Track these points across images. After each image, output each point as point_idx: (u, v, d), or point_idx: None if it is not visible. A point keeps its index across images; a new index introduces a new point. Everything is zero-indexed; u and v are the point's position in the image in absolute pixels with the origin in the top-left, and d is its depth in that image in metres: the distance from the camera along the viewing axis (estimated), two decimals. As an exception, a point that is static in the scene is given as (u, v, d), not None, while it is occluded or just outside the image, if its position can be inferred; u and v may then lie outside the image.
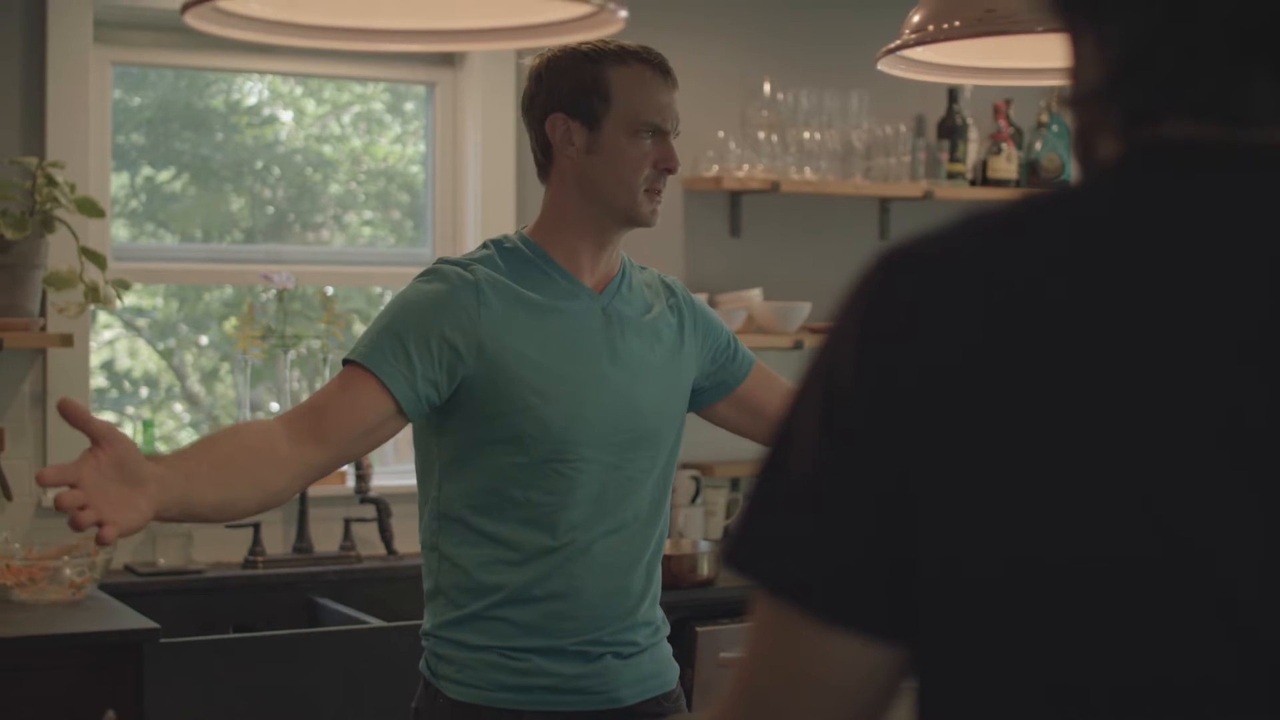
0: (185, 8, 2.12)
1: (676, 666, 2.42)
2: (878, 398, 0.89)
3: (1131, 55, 0.88)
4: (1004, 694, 0.87)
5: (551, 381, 2.24)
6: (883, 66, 2.61)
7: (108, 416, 4.35)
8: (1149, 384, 0.83)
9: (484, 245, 2.35)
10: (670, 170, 2.30)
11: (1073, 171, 4.78)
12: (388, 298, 4.34)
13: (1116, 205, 0.88)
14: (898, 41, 2.47)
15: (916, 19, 2.42)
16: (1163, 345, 0.83)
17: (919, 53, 2.55)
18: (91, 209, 3.69)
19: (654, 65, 2.31)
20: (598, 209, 2.30)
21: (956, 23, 2.34)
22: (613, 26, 2.27)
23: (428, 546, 2.33)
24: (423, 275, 2.29)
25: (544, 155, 2.34)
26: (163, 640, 3.23)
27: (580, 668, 2.27)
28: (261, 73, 4.38)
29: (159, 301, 4.53)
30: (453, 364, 2.21)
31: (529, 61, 2.37)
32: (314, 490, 3.95)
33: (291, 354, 4.12)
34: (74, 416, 1.84)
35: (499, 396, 2.22)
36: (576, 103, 2.28)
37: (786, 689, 0.94)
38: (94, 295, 3.69)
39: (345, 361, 2.22)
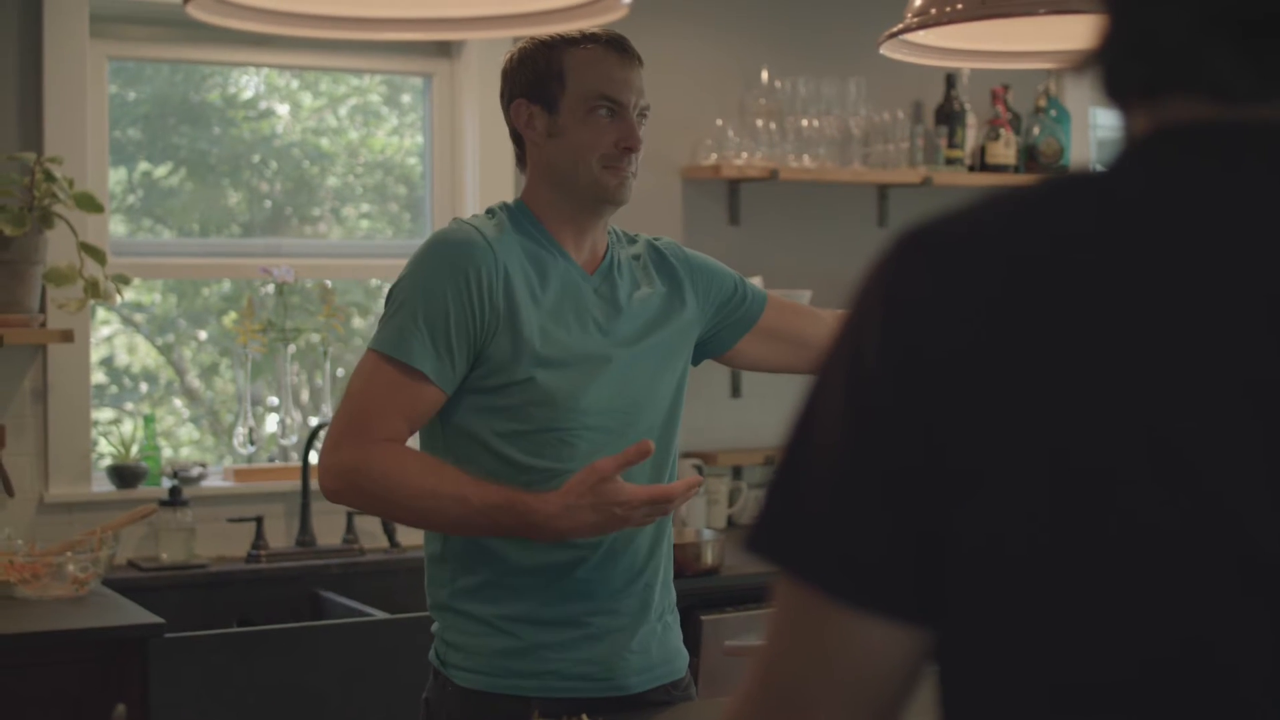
0: (185, -1, 2.12)
1: (686, 655, 2.42)
2: (904, 373, 0.88)
3: (1107, 27, 0.91)
4: (1031, 671, 0.86)
5: (555, 350, 2.24)
6: (885, 51, 2.60)
7: (107, 413, 4.35)
8: (1174, 350, 0.83)
9: (489, 212, 2.33)
10: (631, 148, 2.28)
11: (1071, 156, 4.78)
12: (385, 290, 4.33)
13: (1135, 184, 0.88)
14: (900, 25, 2.47)
15: (918, 3, 2.42)
16: (1188, 314, 0.84)
17: (920, 36, 2.55)
18: (90, 204, 3.68)
19: (609, 43, 2.30)
20: (565, 192, 2.31)
21: (959, 6, 2.34)
22: (614, 14, 2.26)
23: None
24: (439, 244, 2.26)
25: (518, 145, 2.38)
26: (167, 635, 3.23)
27: (589, 654, 2.27)
28: (258, 66, 4.37)
29: (157, 297, 4.52)
30: (480, 337, 2.22)
31: (504, 57, 2.38)
32: (316, 483, 3.94)
33: (291, 347, 4.11)
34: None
35: (506, 365, 2.22)
36: (535, 88, 2.30)
37: (809, 675, 0.92)
38: (94, 291, 3.68)
39: (382, 354, 2.21)
